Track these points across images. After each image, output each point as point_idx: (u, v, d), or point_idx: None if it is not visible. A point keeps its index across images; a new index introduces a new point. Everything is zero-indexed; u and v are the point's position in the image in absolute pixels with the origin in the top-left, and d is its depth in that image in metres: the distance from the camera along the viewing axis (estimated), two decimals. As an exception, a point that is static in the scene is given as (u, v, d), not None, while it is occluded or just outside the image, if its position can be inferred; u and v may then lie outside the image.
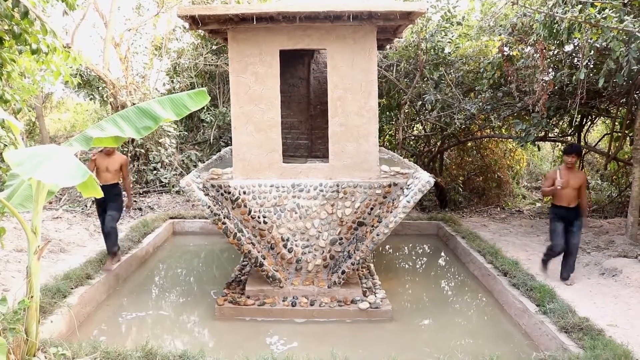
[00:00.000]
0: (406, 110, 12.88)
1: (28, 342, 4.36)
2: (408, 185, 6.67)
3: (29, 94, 7.09)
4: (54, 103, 21.06)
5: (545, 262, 7.40)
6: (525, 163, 14.82)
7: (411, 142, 14.49)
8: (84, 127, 18.96)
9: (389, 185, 6.80)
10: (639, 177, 8.85)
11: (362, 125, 6.88)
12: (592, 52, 7.99)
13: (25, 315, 4.36)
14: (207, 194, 6.62)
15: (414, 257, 10.07)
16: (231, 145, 7.49)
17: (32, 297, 4.38)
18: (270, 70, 6.78)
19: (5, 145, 6.63)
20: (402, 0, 11.65)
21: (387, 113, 13.45)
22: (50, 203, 11.58)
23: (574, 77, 8.32)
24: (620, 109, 10.83)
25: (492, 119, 11.28)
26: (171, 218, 11.13)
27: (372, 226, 6.81)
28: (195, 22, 6.62)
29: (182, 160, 14.29)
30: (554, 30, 8.09)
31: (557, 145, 13.47)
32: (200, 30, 7.42)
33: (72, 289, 6.51)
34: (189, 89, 14.16)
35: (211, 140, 15.11)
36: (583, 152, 5.83)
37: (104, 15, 14.16)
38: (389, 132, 14.31)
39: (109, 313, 6.82)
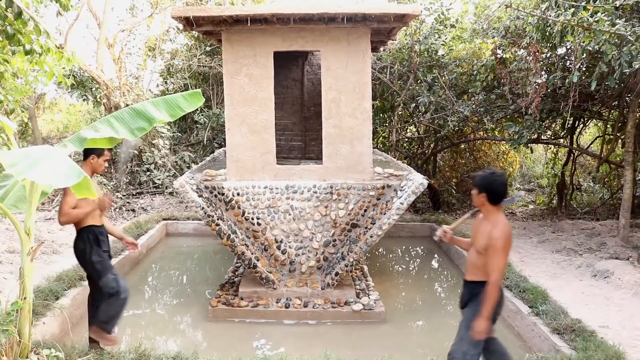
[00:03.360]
0: (400, 112, 12.91)
1: (21, 343, 4.34)
2: (401, 187, 6.69)
3: (22, 95, 7.06)
4: (46, 104, 20.94)
5: None
6: (518, 165, 14.88)
7: (405, 144, 14.52)
8: (76, 128, 18.87)
9: (383, 187, 6.81)
10: (631, 179, 8.92)
11: (355, 127, 6.89)
12: (585, 55, 8.04)
13: (18, 317, 4.34)
14: (200, 196, 6.61)
15: (407, 259, 10.09)
16: (225, 146, 7.49)
17: (25, 298, 4.36)
18: (265, 71, 6.79)
19: (-2, 146, 6.61)
20: (395, 3, 11.73)
21: (381, 115, 13.48)
22: (43, 204, 11.52)
23: (567, 80, 8.37)
24: (612, 111, 10.90)
25: (485, 121, 11.32)
26: (164, 219, 11.10)
27: (366, 228, 6.82)
28: (189, 23, 6.62)
29: (176, 162, 14.26)
30: (547, 33, 8.14)
31: (550, 148, 13.54)
32: (194, 32, 7.41)
33: (64, 290, 6.48)
34: (182, 90, 14.16)
35: (205, 142, 15.09)
36: (486, 186, 3.99)
37: (97, 16, 14.13)
38: (383, 134, 14.34)
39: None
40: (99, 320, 5.05)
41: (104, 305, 5.04)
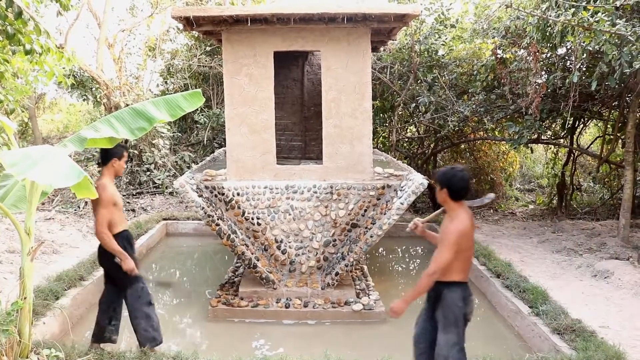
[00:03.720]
0: (400, 112, 12.91)
1: (21, 343, 4.34)
2: (402, 187, 6.69)
3: (22, 95, 7.06)
4: (46, 104, 20.96)
5: None
6: (518, 165, 14.88)
7: (405, 144, 14.52)
8: (76, 128, 18.88)
9: (383, 187, 6.81)
10: (631, 179, 8.91)
11: (356, 127, 6.89)
12: (585, 55, 8.04)
13: (19, 317, 4.34)
14: (200, 195, 6.61)
15: (407, 259, 10.09)
16: (225, 146, 7.49)
17: (25, 298, 4.36)
18: (265, 71, 6.78)
19: (-2, 146, 6.60)
20: (396, 3, 11.73)
21: (381, 115, 13.49)
22: (43, 204, 11.53)
23: (567, 80, 8.37)
24: (612, 111, 10.89)
25: (486, 121, 11.33)
26: (164, 219, 11.09)
27: (366, 228, 6.81)
28: (189, 23, 6.62)
29: (176, 162, 14.26)
30: (547, 33, 8.14)
31: (550, 148, 13.55)
32: (194, 32, 7.41)
33: (64, 290, 6.48)
34: (182, 90, 14.15)
35: (205, 142, 15.09)
36: (445, 182, 3.96)
37: (97, 16, 14.13)
38: (383, 134, 14.34)
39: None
40: (150, 338, 5.04)
41: (143, 323, 5.02)
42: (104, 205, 4.77)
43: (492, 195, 4.99)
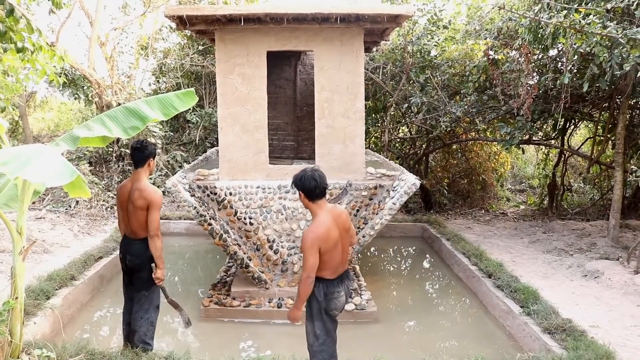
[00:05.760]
0: (392, 113, 12.94)
1: (12, 344, 4.31)
2: (394, 187, 6.71)
3: (13, 93, 7.02)
4: (37, 102, 20.80)
5: None
6: (509, 166, 14.94)
7: (397, 145, 14.55)
8: (68, 127, 18.75)
9: (375, 187, 6.82)
10: (621, 180, 8.98)
11: (348, 127, 6.90)
12: (576, 57, 8.09)
13: (10, 317, 4.31)
14: (193, 195, 6.60)
15: (399, 259, 10.11)
16: (217, 146, 7.47)
17: (16, 298, 4.33)
18: (258, 71, 6.78)
19: (-11, 145, 6.54)
20: (389, 3, 11.75)
21: (373, 115, 13.50)
22: (34, 203, 11.45)
23: (558, 82, 8.41)
24: (602, 113, 10.97)
25: (477, 122, 11.37)
26: (156, 219, 11.04)
27: (358, 228, 6.83)
28: (182, 22, 6.60)
29: (168, 161, 14.21)
30: (539, 35, 8.18)
31: (541, 149, 13.62)
32: (187, 31, 7.39)
33: (55, 290, 6.45)
34: (175, 90, 14.10)
35: (197, 141, 15.04)
36: (297, 184, 4.25)
37: (89, 14, 14.06)
38: (375, 135, 14.36)
39: (93, 314, 6.77)
40: (144, 343, 5.00)
41: (144, 327, 5.00)
42: (158, 209, 4.77)
43: (350, 182, 5.08)
